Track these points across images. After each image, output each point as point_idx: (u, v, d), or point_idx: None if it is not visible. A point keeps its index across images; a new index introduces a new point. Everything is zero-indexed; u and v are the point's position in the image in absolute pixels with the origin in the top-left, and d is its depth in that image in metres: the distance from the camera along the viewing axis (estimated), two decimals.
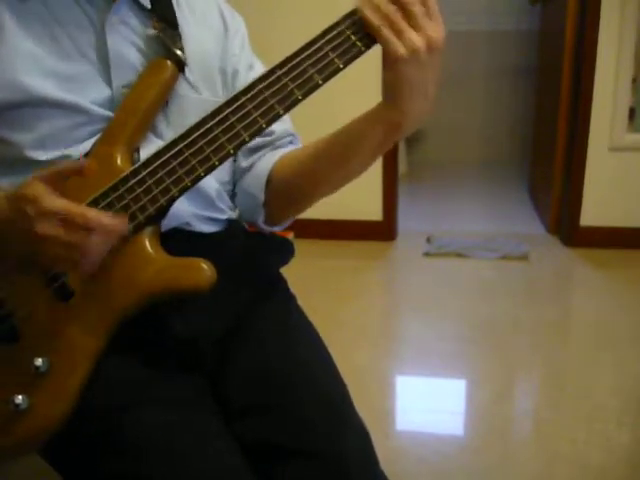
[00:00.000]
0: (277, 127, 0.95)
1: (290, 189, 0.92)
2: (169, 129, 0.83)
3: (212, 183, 0.89)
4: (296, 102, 0.74)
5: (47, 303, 0.75)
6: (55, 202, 0.68)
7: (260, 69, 0.98)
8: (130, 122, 0.79)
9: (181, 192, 0.75)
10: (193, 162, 0.75)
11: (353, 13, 0.75)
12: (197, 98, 0.86)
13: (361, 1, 0.74)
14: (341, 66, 0.74)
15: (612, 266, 2.79)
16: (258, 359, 0.86)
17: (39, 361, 0.74)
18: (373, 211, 3.10)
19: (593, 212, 2.92)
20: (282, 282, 1.01)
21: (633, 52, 2.72)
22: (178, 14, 0.87)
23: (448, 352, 2.12)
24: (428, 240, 3.08)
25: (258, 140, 0.94)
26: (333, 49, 0.74)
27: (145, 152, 0.79)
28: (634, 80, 2.77)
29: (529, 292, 2.58)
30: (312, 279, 2.65)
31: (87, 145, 0.79)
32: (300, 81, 0.73)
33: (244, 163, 0.95)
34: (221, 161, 0.75)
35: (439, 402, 1.89)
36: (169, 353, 0.82)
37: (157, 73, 0.80)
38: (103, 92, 0.80)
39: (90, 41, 0.80)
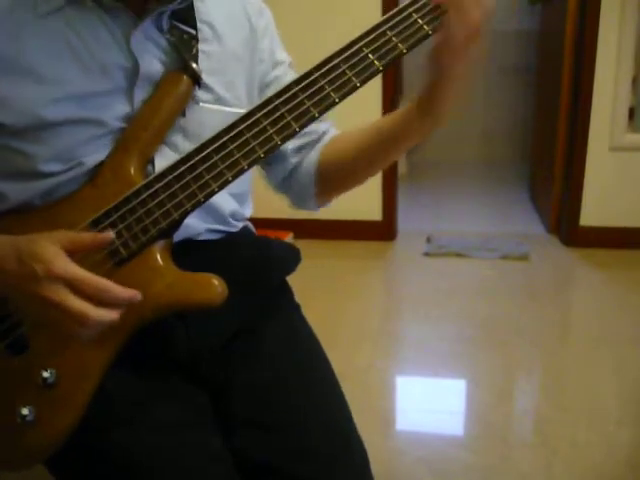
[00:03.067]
0: (321, 126, 0.97)
1: (337, 177, 0.95)
2: (186, 141, 0.81)
3: (229, 204, 0.88)
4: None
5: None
6: (68, 266, 0.67)
7: (289, 74, 0.96)
8: (144, 135, 0.78)
9: (194, 207, 0.75)
10: (207, 177, 0.74)
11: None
12: (216, 110, 0.84)
13: None
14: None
15: (612, 266, 2.79)
16: (263, 375, 0.86)
17: (47, 373, 0.73)
18: (373, 211, 3.10)
19: (593, 212, 2.92)
20: (288, 292, 1.00)
21: (633, 52, 2.72)
22: (200, 23, 0.84)
23: (448, 352, 2.12)
24: (428, 240, 3.08)
25: (305, 140, 0.96)
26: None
27: (160, 164, 0.79)
28: (634, 80, 2.77)
29: (529, 292, 2.58)
30: (312, 279, 2.65)
31: (102, 155, 0.77)
32: (318, 98, 0.73)
33: (293, 160, 0.97)
34: (235, 177, 0.74)
35: (439, 402, 1.89)
36: (171, 364, 0.82)
37: (172, 86, 0.79)
38: (124, 109, 0.78)
39: (114, 59, 0.77)
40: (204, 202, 0.75)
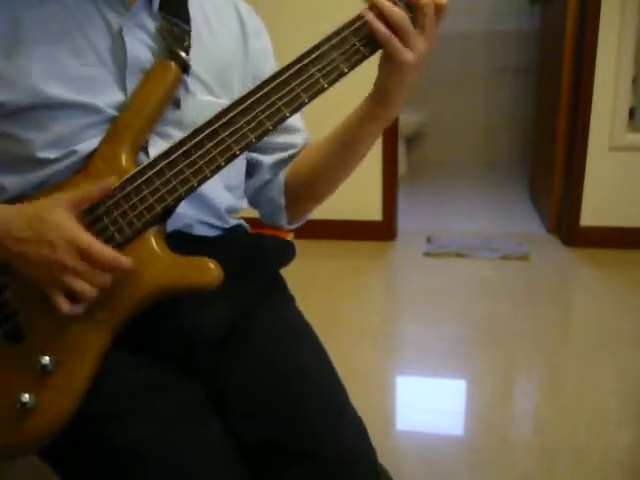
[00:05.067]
0: (299, 140, 0.99)
1: (304, 187, 0.97)
2: (179, 130, 0.82)
3: (218, 188, 0.89)
4: (302, 105, 0.76)
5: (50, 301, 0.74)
6: (81, 234, 0.70)
7: None
8: (135, 123, 0.79)
9: (188, 192, 0.76)
10: (200, 163, 0.75)
11: (358, 18, 0.76)
12: (211, 101, 0.85)
13: (366, 7, 0.76)
14: (346, 70, 0.76)
15: (612, 266, 2.79)
16: (258, 362, 0.86)
17: (45, 359, 0.74)
18: (373, 211, 3.10)
19: (593, 212, 2.92)
20: (281, 283, 1.01)
21: (633, 52, 2.72)
22: (192, 14, 0.86)
23: (448, 352, 2.12)
24: (428, 240, 3.08)
25: (283, 155, 0.98)
26: (340, 55, 0.76)
27: (154, 151, 0.80)
28: (634, 80, 2.76)
29: (529, 292, 2.58)
30: (312, 279, 2.65)
31: (94, 143, 0.79)
32: (306, 85, 0.76)
33: (267, 176, 0.99)
34: (227, 162, 0.76)
35: (439, 402, 1.89)
36: (166, 355, 0.82)
37: (161, 75, 0.81)
38: (117, 96, 0.80)
39: (107, 45, 0.80)
40: (198, 187, 0.76)
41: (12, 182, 0.79)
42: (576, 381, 1.95)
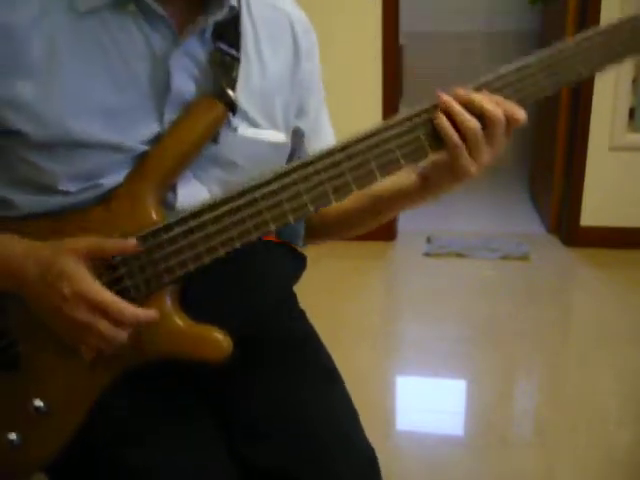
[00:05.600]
0: None
1: (326, 226, 0.94)
2: (215, 168, 0.76)
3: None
4: (349, 192, 0.70)
5: (54, 340, 0.71)
6: (94, 291, 0.66)
7: (327, 124, 0.94)
8: (167, 162, 0.72)
9: (211, 260, 0.71)
10: (233, 233, 0.70)
11: (426, 111, 0.71)
12: (250, 139, 0.78)
13: (440, 113, 0.70)
14: (403, 163, 0.70)
15: (612, 266, 2.79)
16: (265, 384, 0.85)
17: (39, 402, 0.72)
18: None
19: (593, 212, 2.92)
20: (293, 298, 0.99)
21: None
22: (243, 42, 0.77)
23: (448, 352, 2.12)
24: (428, 240, 3.08)
25: None
26: (399, 146, 0.70)
27: (183, 194, 0.75)
28: (634, 80, 2.76)
29: (529, 292, 2.58)
30: (312, 279, 2.64)
31: (120, 177, 0.73)
32: (359, 173, 0.70)
33: None
34: (259, 235, 0.70)
35: (439, 402, 1.89)
36: (172, 375, 0.80)
37: (205, 113, 0.73)
38: (152, 128, 0.73)
39: (148, 72, 0.71)
40: (223, 255, 0.71)
41: (25, 202, 0.73)
42: (576, 381, 1.95)
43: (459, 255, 2.92)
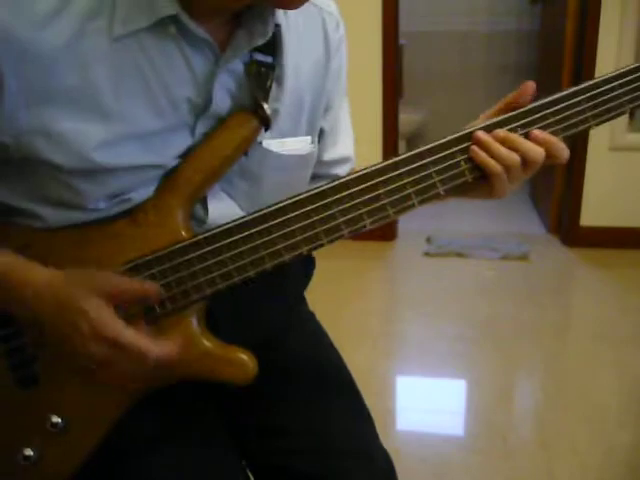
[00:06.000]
0: (343, 171, 0.92)
1: None
2: (242, 181, 0.75)
3: None
4: (385, 219, 0.68)
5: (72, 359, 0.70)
6: (118, 331, 0.64)
7: (345, 112, 0.91)
8: (197, 177, 0.70)
9: (242, 281, 0.69)
10: (263, 253, 0.68)
11: (467, 139, 0.70)
12: (275, 152, 0.76)
13: (478, 142, 0.69)
14: (442, 192, 0.69)
15: (612, 266, 2.79)
16: (281, 384, 0.85)
17: (57, 419, 0.71)
18: None
19: (593, 212, 2.92)
20: (304, 303, 0.99)
21: (633, 52, 2.71)
22: (279, 49, 0.74)
23: (448, 352, 2.12)
24: (428, 240, 3.08)
25: (324, 171, 0.90)
26: (438, 172, 0.68)
27: (213, 207, 0.74)
28: None
29: (529, 292, 2.58)
30: (312, 279, 2.64)
31: (150, 190, 0.71)
32: (396, 197, 0.68)
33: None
34: (292, 259, 0.68)
35: (439, 402, 1.89)
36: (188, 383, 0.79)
37: (240, 128, 0.71)
38: (185, 143, 0.71)
39: (188, 94, 0.68)
40: (253, 277, 0.69)
41: (53, 216, 0.71)
42: (576, 381, 1.95)
43: (459, 255, 2.92)
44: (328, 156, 0.89)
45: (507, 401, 1.87)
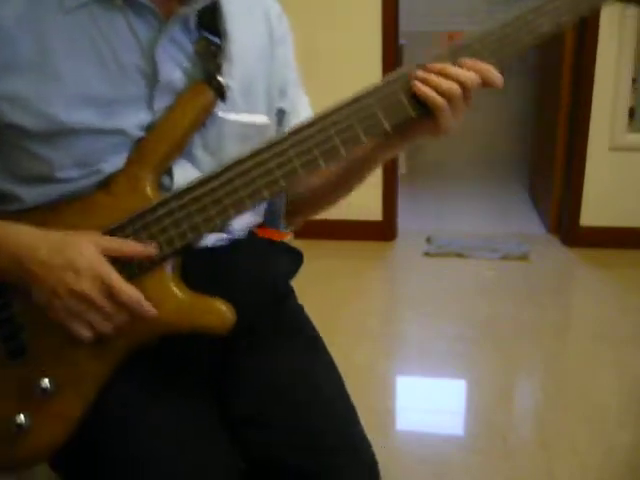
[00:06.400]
0: None
1: (303, 200, 0.96)
2: (205, 153, 0.80)
3: (241, 226, 0.88)
4: (338, 158, 0.73)
5: (57, 323, 0.73)
6: (112, 273, 0.69)
7: (303, 97, 0.96)
8: (162, 147, 0.76)
9: (211, 230, 0.75)
10: (226, 202, 0.73)
11: (405, 77, 0.72)
12: (234, 121, 0.81)
13: (416, 78, 0.72)
14: (387, 127, 0.72)
15: (612, 266, 2.79)
16: (264, 374, 0.86)
17: (45, 382, 0.73)
18: (373, 211, 3.10)
19: (593, 212, 2.92)
20: (291, 292, 1.00)
21: (633, 52, 2.71)
22: (224, 29, 0.81)
23: (448, 352, 2.12)
24: (428, 240, 3.08)
25: None
26: (383, 109, 0.72)
27: (178, 176, 0.78)
28: (634, 80, 2.76)
29: (529, 292, 2.57)
30: (312, 279, 2.64)
31: (119, 162, 0.76)
32: (345, 136, 0.72)
33: None
34: (254, 204, 0.74)
35: (439, 402, 1.89)
36: (172, 361, 0.82)
37: (196, 98, 0.77)
38: (144, 116, 0.76)
39: (136, 62, 0.75)
40: (220, 226, 0.75)
41: (29, 194, 0.76)
42: (576, 381, 1.95)
43: (459, 255, 2.92)
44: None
45: (507, 401, 1.87)
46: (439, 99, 0.71)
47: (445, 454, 1.62)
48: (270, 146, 0.73)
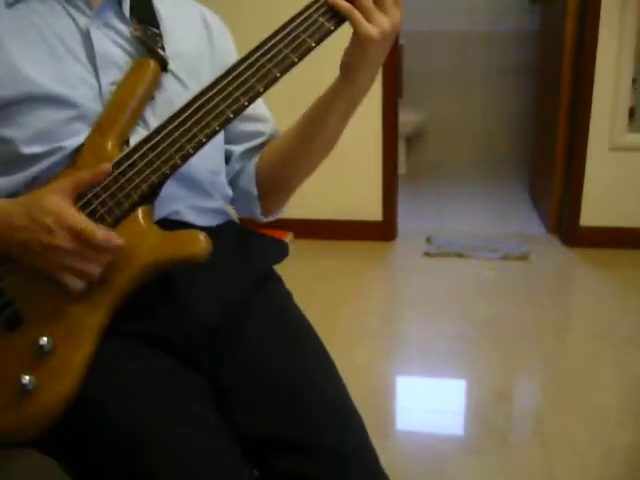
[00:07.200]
0: (266, 128, 1.02)
1: (276, 175, 0.99)
2: (157, 121, 0.85)
3: (204, 171, 0.92)
4: (275, 79, 0.80)
5: (48, 285, 0.76)
6: (76, 218, 0.74)
7: None
8: (119, 117, 0.83)
9: (172, 169, 0.80)
10: (182, 141, 0.79)
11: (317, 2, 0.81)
12: (183, 91, 0.89)
13: None
14: (313, 44, 0.80)
15: (612, 266, 2.79)
16: (254, 355, 0.87)
17: (43, 340, 0.75)
18: (373, 211, 3.10)
19: (593, 212, 2.92)
20: (276, 278, 1.01)
21: (633, 52, 2.72)
22: (158, 17, 0.92)
23: (448, 352, 2.12)
24: (428, 240, 3.08)
25: (252, 143, 1.01)
26: (304, 31, 0.80)
27: (135, 140, 0.82)
28: (634, 80, 2.77)
29: (529, 292, 2.58)
30: (312, 279, 2.65)
31: (80, 138, 0.82)
32: (277, 60, 0.80)
33: (237, 165, 1.01)
34: (208, 137, 0.80)
35: (439, 402, 1.89)
36: (166, 347, 0.83)
37: (141, 72, 0.85)
38: (92, 89, 0.84)
39: (78, 42, 0.84)
40: (181, 164, 0.80)
41: (3, 182, 0.82)
42: (576, 381, 1.95)
43: (459, 255, 2.92)
44: (248, 124, 1.01)
45: (507, 401, 1.87)
46: (344, 3, 0.79)
47: (445, 454, 1.62)
48: (210, 87, 0.80)
